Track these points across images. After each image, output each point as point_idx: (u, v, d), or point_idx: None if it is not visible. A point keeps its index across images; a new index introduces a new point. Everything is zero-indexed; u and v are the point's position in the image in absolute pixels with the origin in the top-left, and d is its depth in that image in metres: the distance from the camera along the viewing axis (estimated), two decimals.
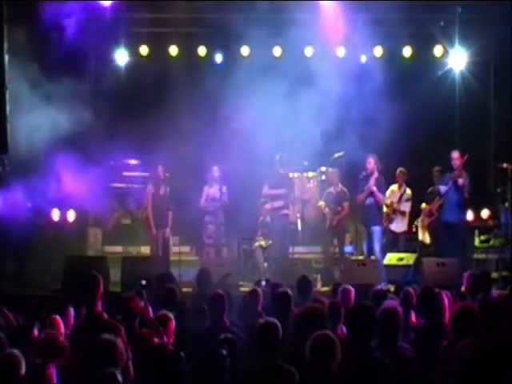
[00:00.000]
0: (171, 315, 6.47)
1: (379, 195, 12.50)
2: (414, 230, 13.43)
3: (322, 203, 13.22)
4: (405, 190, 13.09)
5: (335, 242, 13.21)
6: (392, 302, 6.49)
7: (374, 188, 12.41)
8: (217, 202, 12.90)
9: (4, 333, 5.93)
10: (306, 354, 4.91)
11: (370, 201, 12.48)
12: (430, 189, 13.17)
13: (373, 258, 12.32)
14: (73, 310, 6.71)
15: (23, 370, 5.03)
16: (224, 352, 5.49)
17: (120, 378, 4.68)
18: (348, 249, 13.45)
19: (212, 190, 12.98)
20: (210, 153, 13.43)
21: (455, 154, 12.32)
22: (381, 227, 12.51)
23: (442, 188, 12.48)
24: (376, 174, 12.51)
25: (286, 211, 12.96)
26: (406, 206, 13.05)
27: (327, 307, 6.56)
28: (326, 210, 13.14)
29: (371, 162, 12.50)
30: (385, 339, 5.47)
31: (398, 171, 13.11)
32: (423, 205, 13.17)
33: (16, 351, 5.11)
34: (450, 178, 12.34)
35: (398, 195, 13.09)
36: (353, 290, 8.07)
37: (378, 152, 12.65)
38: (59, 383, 5.33)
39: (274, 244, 12.86)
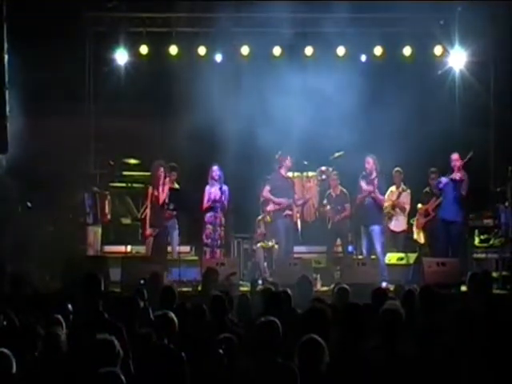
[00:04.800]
0: (172, 315, 6.45)
1: (379, 196, 12.49)
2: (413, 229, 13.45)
3: (325, 203, 13.22)
4: (403, 189, 13.10)
5: (338, 241, 13.21)
6: (393, 302, 6.49)
7: (376, 189, 12.38)
8: (217, 202, 12.87)
9: (6, 332, 5.94)
10: (295, 357, 4.94)
11: (368, 200, 12.48)
12: (426, 189, 13.17)
13: (373, 257, 12.33)
14: (71, 308, 6.69)
15: (14, 368, 5.02)
16: (221, 351, 5.49)
17: (122, 377, 4.67)
18: (348, 248, 13.45)
19: (213, 190, 12.96)
20: (210, 152, 13.43)
21: (455, 156, 12.34)
22: (380, 226, 12.51)
23: (444, 179, 12.44)
24: (374, 174, 12.51)
25: (288, 212, 12.95)
26: (406, 202, 13.04)
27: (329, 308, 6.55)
28: (328, 208, 13.13)
29: (370, 162, 12.50)
30: (386, 339, 5.47)
31: (394, 171, 13.12)
32: (419, 205, 13.18)
33: (6, 350, 5.09)
34: (448, 177, 12.37)
35: (396, 194, 13.11)
36: (349, 289, 8.07)
37: (376, 151, 12.66)
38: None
39: (278, 245, 12.85)
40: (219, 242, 12.91)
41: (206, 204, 12.98)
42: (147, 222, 12.76)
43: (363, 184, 12.54)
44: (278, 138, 13.06)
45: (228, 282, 10.98)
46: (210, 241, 12.87)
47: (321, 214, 13.59)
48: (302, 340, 4.96)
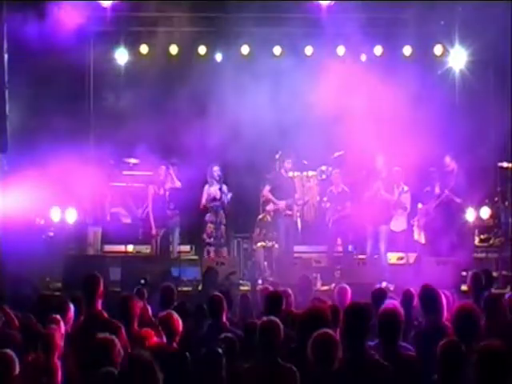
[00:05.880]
0: (176, 315, 6.45)
1: (387, 195, 12.53)
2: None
3: (326, 200, 13.26)
4: (403, 189, 13.12)
5: (338, 241, 13.21)
6: (392, 302, 6.48)
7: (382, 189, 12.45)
8: (217, 202, 12.91)
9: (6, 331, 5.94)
10: (308, 353, 4.93)
11: (377, 200, 12.49)
12: (426, 188, 13.18)
13: (375, 256, 12.35)
14: (73, 308, 6.69)
15: (17, 369, 5.01)
16: (220, 350, 5.49)
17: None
18: (348, 248, 13.45)
19: (212, 190, 13.00)
20: (210, 152, 13.42)
21: (447, 160, 12.53)
22: (388, 226, 12.55)
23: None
24: (384, 174, 12.55)
25: (288, 212, 12.96)
26: (406, 201, 13.07)
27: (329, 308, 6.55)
28: (327, 205, 13.14)
29: (380, 161, 12.53)
30: (385, 339, 5.47)
31: (394, 170, 13.12)
32: (419, 205, 13.19)
33: (9, 351, 5.08)
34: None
35: (396, 194, 13.12)
36: (349, 289, 8.07)
37: (375, 151, 12.67)
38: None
39: (279, 244, 12.86)
40: (222, 240, 12.96)
41: (204, 203, 13.03)
42: (151, 222, 12.80)
43: (372, 182, 12.56)
44: (278, 138, 13.09)
45: (228, 282, 10.99)
46: (212, 240, 12.92)
47: (321, 210, 13.60)
48: (316, 334, 4.96)
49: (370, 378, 4.95)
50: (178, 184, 13.10)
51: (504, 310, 6.66)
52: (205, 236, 13.04)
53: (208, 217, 13.03)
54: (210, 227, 12.99)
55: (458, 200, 12.45)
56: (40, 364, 5.45)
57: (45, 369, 5.40)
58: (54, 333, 5.70)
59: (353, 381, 4.95)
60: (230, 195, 13.03)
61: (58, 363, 5.49)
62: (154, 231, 12.82)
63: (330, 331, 5.07)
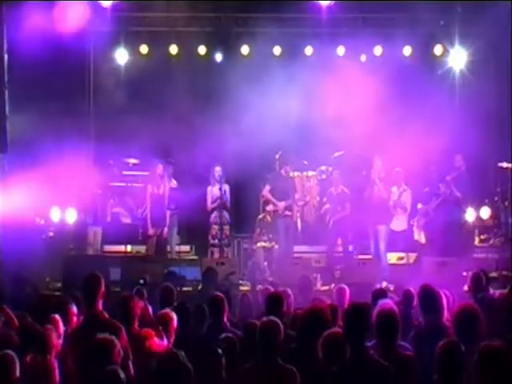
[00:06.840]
0: (173, 314, 6.46)
1: (386, 194, 12.58)
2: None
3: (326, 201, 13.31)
4: (403, 189, 13.13)
5: (339, 241, 13.22)
6: (388, 302, 6.48)
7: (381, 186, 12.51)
8: (219, 202, 12.92)
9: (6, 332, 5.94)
10: (317, 352, 4.95)
11: (376, 200, 12.52)
12: (426, 188, 13.20)
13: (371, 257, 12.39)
14: (75, 308, 6.69)
15: (17, 371, 4.99)
16: (220, 351, 5.49)
17: (122, 375, 4.67)
18: (348, 248, 13.45)
19: (215, 190, 13.02)
20: (210, 152, 13.43)
21: (457, 156, 12.57)
22: (387, 226, 12.57)
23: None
24: (382, 174, 12.58)
25: (287, 212, 12.98)
26: (407, 201, 13.08)
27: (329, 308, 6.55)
28: (327, 206, 13.17)
29: (378, 163, 12.58)
30: (383, 339, 5.47)
31: (394, 171, 13.14)
32: (419, 205, 13.20)
33: (10, 352, 5.07)
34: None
35: (396, 194, 13.13)
36: (347, 289, 8.08)
37: (376, 151, 12.68)
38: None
39: (279, 244, 12.87)
40: (226, 240, 12.99)
41: (209, 204, 13.07)
42: (148, 221, 12.80)
43: (375, 182, 12.61)
44: (278, 138, 13.09)
45: (228, 282, 11.00)
46: (216, 241, 12.94)
47: (321, 211, 13.63)
48: (327, 334, 4.98)
49: (372, 378, 4.96)
50: (173, 183, 13.13)
51: (504, 310, 6.66)
52: (210, 237, 13.08)
53: (212, 218, 13.08)
54: (214, 228, 13.03)
55: (457, 193, 12.47)
56: (38, 364, 5.44)
57: (42, 369, 5.40)
58: (49, 332, 5.70)
59: (355, 381, 4.96)
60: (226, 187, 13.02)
61: (55, 363, 5.49)
62: (150, 231, 12.82)
63: (340, 331, 5.10)
